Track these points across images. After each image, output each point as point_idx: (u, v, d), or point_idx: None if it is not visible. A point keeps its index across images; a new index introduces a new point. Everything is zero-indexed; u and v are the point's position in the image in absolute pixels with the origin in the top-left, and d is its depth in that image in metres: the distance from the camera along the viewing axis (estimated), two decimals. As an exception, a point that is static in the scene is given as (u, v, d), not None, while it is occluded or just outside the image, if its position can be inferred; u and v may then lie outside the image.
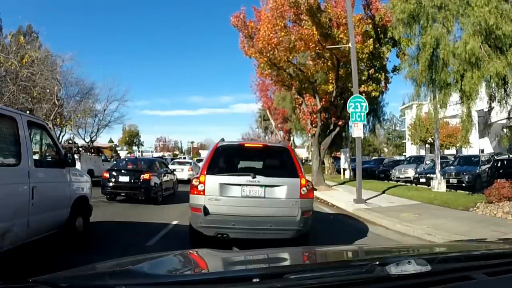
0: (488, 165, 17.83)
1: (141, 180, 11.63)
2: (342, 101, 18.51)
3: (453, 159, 21.48)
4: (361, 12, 17.13)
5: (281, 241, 5.32)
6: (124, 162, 14.50)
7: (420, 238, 7.28)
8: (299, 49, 15.85)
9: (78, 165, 11.99)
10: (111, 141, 72.75)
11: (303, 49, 15.94)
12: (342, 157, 26.31)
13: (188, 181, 16.67)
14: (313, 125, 18.76)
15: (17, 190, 4.48)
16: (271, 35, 15.20)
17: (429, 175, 17.63)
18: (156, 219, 8.79)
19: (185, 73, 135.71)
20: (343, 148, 26.54)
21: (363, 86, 16.11)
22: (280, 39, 15.21)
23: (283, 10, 14.90)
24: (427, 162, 22.02)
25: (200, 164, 9.11)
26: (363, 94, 14.71)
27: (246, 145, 6.73)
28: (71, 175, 6.05)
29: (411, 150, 43.91)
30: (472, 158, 19.51)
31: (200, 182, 5.63)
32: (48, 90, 18.51)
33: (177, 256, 1.89)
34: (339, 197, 13.85)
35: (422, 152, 36.53)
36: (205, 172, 5.67)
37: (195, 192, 5.66)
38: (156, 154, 65.28)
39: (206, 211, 5.53)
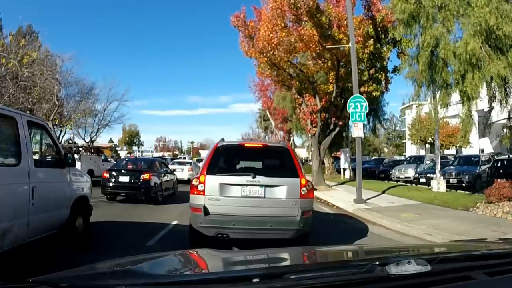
0: (488, 165, 17.83)
1: (141, 180, 11.63)
2: (342, 101, 18.50)
3: (453, 159, 21.45)
4: (362, 13, 17.15)
5: (281, 241, 5.31)
6: (124, 162, 14.48)
7: (420, 238, 7.28)
8: (299, 50, 15.85)
9: (78, 165, 11.99)
10: (111, 141, 72.87)
11: (304, 50, 15.94)
12: (342, 157, 26.30)
13: (188, 181, 16.67)
14: (313, 125, 18.74)
15: (17, 190, 4.47)
16: (272, 35, 15.18)
17: (429, 175, 17.59)
18: (156, 219, 8.79)
19: (183, 73, 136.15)
20: (343, 148, 26.54)
21: (363, 86, 16.11)
22: (281, 39, 15.21)
23: (283, 10, 14.89)
24: (427, 162, 22.00)
25: (200, 164, 9.10)
26: (364, 94, 14.68)
27: (246, 145, 6.71)
28: (71, 175, 6.04)
29: (411, 150, 43.92)
30: (472, 158, 19.48)
31: (200, 182, 5.63)
32: (48, 90, 18.51)
33: (177, 256, 1.89)
34: (339, 197, 13.84)
35: (422, 152, 36.52)
36: (205, 172, 5.67)
37: (195, 192, 5.65)
38: (156, 154, 65.33)
39: (206, 211, 5.52)
